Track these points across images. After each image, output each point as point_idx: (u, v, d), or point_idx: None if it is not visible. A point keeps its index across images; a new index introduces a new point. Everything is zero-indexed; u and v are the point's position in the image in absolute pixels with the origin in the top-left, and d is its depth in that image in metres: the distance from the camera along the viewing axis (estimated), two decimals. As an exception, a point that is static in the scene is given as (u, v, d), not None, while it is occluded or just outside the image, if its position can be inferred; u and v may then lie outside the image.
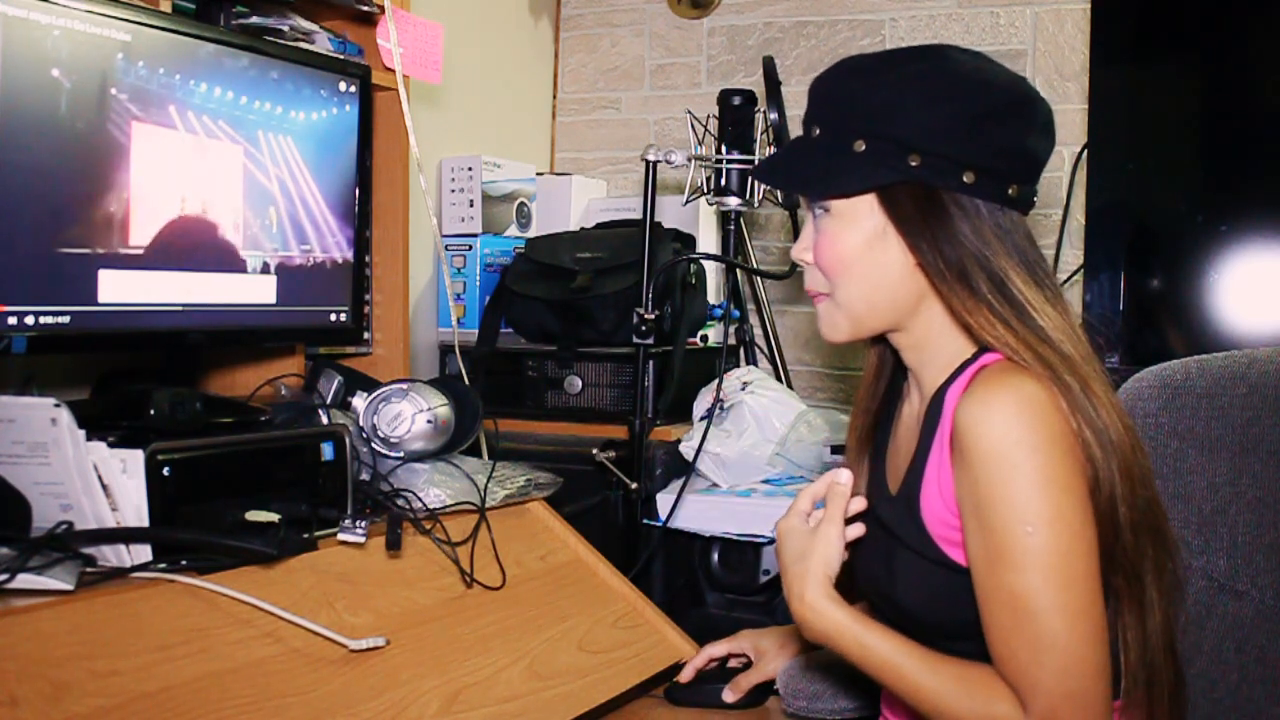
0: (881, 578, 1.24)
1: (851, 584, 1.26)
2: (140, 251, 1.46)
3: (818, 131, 1.18)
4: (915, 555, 1.19)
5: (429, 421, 1.61)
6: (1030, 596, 1.07)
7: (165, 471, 1.27)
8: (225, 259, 1.58)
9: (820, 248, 1.19)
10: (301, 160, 1.69)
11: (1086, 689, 1.07)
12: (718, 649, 1.54)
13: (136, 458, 1.25)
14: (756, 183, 2.17)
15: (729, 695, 1.47)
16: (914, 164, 1.12)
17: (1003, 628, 1.09)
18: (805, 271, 1.23)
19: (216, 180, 1.56)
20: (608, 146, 3.09)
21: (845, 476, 1.22)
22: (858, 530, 1.24)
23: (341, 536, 1.41)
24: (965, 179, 1.12)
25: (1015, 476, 1.08)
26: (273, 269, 1.65)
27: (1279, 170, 1.92)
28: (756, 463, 2.14)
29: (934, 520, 1.17)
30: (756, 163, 2.17)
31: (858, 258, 1.17)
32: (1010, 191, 1.15)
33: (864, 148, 1.14)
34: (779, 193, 2.18)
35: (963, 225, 1.13)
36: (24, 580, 1.14)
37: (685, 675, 1.53)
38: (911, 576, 1.20)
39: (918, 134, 1.12)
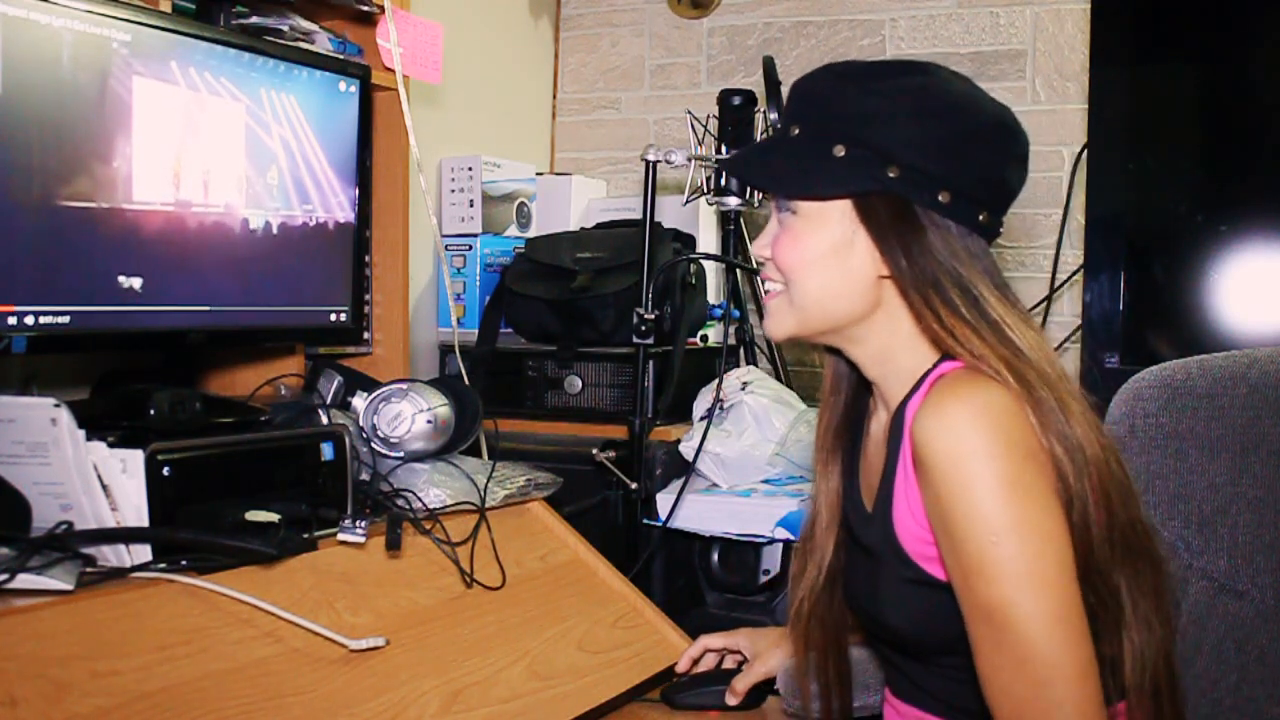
0: (866, 598, 1.23)
1: (841, 610, 1.27)
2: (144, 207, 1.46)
3: (796, 131, 1.17)
4: (896, 574, 1.17)
5: (429, 421, 1.61)
6: (1005, 608, 1.05)
7: (165, 471, 1.27)
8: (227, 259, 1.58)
9: (783, 246, 1.18)
10: (304, 119, 1.68)
11: (1070, 696, 1.04)
12: (714, 641, 1.54)
13: (136, 458, 1.25)
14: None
15: (730, 699, 1.46)
16: (892, 175, 1.12)
17: (984, 640, 1.08)
18: (763, 266, 1.22)
19: (218, 137, 1.56)
20: (608, 146, 3.09)
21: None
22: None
23: (341, 536, 1.41)
24: (940, 198, 1.12)
25: (974, 486, 1.05)
26: (274, 228, 1.65)
27: (1279, 170, 1.92)
28: (756, 463, 2.14)
29: (909, 538, 1.16)
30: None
31: (820, 260, 1.16)
32: (981, 218, 1.14)
33: (843, 153, 1.12)
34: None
35: (935, 241, 1.12)
36: (24, 580, 1.13)
37: (681, 665, 1.54)
38: (895, 596, 1.18)
39: (899, 146, 1.11)
